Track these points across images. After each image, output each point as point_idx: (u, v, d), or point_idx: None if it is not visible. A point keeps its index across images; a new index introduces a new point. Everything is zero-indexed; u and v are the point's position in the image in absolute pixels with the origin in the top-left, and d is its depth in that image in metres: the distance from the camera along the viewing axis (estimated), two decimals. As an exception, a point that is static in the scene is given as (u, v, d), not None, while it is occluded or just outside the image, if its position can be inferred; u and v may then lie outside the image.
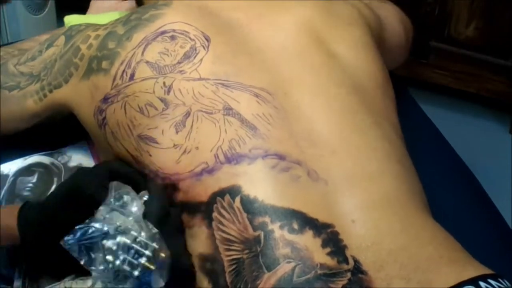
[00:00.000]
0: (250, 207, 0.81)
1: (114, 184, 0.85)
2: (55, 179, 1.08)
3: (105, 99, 0.95)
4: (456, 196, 1.18)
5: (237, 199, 0.82)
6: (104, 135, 0.95)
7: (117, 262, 0.79)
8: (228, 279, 0.79)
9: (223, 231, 0.81)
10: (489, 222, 1.15)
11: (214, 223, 0.82)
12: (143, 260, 0.80)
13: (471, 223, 1.12)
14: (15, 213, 0.87)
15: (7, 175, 1.08)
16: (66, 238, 0.80)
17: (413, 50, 1.33)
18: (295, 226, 0.80)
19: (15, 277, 0.94)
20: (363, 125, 0.91)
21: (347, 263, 0.78)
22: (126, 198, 0.83)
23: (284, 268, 0.78)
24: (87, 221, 0.81)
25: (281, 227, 0.80)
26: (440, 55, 2.03)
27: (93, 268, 0.80)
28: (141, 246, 0.80)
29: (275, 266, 0.78)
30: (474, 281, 0.77)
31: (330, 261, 0.78)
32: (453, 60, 2.04)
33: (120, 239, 0.79)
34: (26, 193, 1.06)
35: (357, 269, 0.78)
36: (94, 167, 0.96)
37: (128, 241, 0.80)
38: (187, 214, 0.85)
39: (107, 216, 0.81)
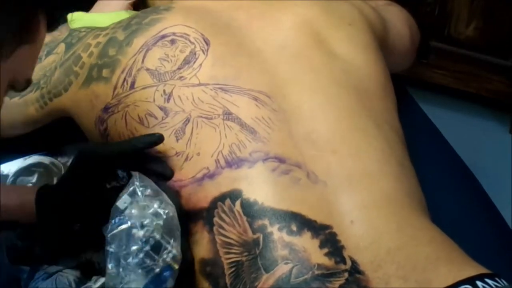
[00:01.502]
0: (250, 210, 0.82)
1: (137, 174, 0.84)
2: (55, 179, 1.08)
3: (106, 109, 0.95)
4: (456, 196, 1.18)
5: (238, 203, 0.83)
6: None
7: (141, 255, 0.79)
8: (228, 281, 0.80)
9: (224, 235, 0.82)
10: (489, 222, 1.16)
11: (215, 228, 0.83)
12: (168, 258, 0.79)
13: (471, 222, 1.12)
14: (33, 192, 0.90)
15: (7, 175, 1.08)
16: (107, 228, 0.81)
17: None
18: (294, 228, 0.80)
19: (36, 245, 0.95)
20: (363, 125, 0.91)
21: (345, 263, 0.78)
22: (149, 191, 0.83)
23: (282, 269, 0.78)
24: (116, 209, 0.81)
25: (279, 229, 0.80)
26: (440, 55, 2.03)
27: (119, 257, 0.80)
28: (167, 243, 0.80)
29: (273, 268, 0.78)
30: (471, 280, 0.77)
31: (327, 262, 0.78)
32: (453, 60, 2.03)
33: (150, 232, 0.79)
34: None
35: (354, 269, 0.78)
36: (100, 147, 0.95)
37: (157, 236, 0.79)
38: (190, 222, 0.85)
39: (136, 208, 0.80)
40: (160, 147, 0.89)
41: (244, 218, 0.82)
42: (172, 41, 0.95)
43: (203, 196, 0.85)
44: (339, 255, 0.79)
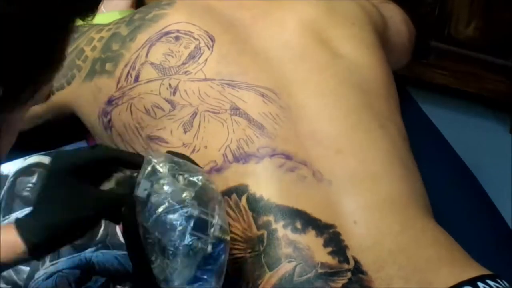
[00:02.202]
0: (255, 206, 0.82)
1: (151, 152, 0.77)
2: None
3: (110, 101, 0.95)
4: (456, 196, 1.18)
5: (243, 198, 0.83)
6: (110, 137, 0.95)
7: (188, 240, 0.71)
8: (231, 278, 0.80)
9: None
10: (489, 222, 1.15)
11: None
12: (216, 232, 0.72)
13: (471, 223, 1.12)
14: (10, 228, 0.77)
15: (7, 176, 1.07)
16: (142, 218, 0.72)
17: (413, 50, 1.32)
18: (298, 225, 0.80)
19: None
20: (368, 125, 0.91)
21: (348, 262, 0.78)
22: (170, 165, 0.74)
23: (285, 268, 0.78)
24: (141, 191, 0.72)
25: (284, 227, 0.80)
26: (440, 55, 2.03)
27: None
28: (209, 216, 0.72)
29: (277, 266, 0.79)
30: (472, 281, 0.78)
31: (331, 261, 0.78)
32: (453, 60, 2.03)
33: (187, 210, 0.71)
34: (26, 193, 1.06)
35: (357, 269, 0.78)
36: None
37: (196, 212, 0.71)
38: None
39: (161, 191, 0.72)
40: (168, 138, 0.89)
41: (250, 213, 0.82)
42: (177, 38, 0.95)
43: None
44: (342, 254, 0.79)
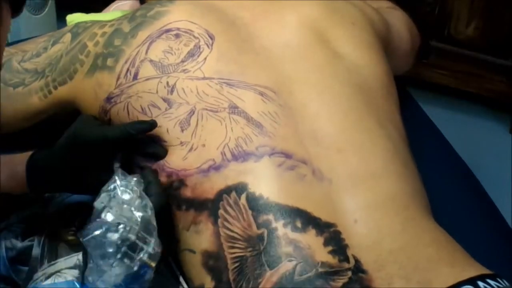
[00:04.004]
0: (255, 204, 0.82)
1: (120, 171, 0.85)
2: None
3: (108, 99, 0.95)
4: (456, 196, 1.18)
5: (243, 197, 0.83)
6: None
7: (118, 256, 0.79)
8: (231, 277, 0.80)
9: (228, 229, 0.82)
10: (489, 222, 1.15)
11: (220, 221, 0.83)
12: (145, 257, 0.80)
13: (471, 223, 1.12)
14: (23, 162, 0.93)
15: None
16: (83, 233, 0.80)
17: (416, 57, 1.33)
18: (299, 224, 0.80)
19: (34, 245, 0.96)
20: (368, 124, 0.91)
21: (348, 262, 0.78)
22: (130, 189, 0.83)
23: (285, 266, 0.78)
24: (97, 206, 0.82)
25: (284, 225, 0.80)
26: (440, 55, 2.03)
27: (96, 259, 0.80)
28: (143, 243, 0.80)
29: (277, 264, 0.78)
30: (472, 281, 0.77)
31: (331, 260, 0.78)
32: (453, 60, 2.04)
33: (125, 234, 0.79)
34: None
35: (358, 268, 0.78)
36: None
37: (133, 237, 0.80)
38: (194, 211, 0.85)
39: (113, 209, 0.81)
40: (164, 136, 0.89)
41: (249, 212, 0.82)
42: (177, 35, 0.96)
43: (209, 187, 0.84)
44: (343, 253, 0.79)
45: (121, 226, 0.79)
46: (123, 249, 0.79)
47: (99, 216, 0.80)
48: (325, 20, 1.00)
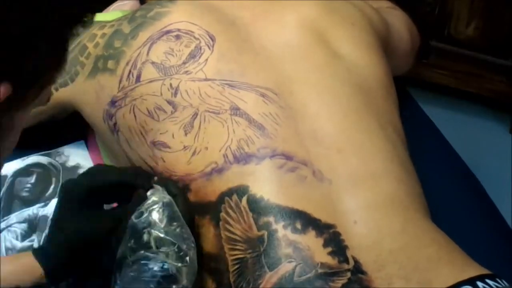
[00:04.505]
0: (255, 206, 0.82)
1: (160, 189, 0.82)
2: (53, 179, 1.08)
3: (113, 102, 0.95)
4: (456, 196, 1.18)
5: (244, 199, 0.83)
6: (117, 140, 0.95)
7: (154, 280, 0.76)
8: (232, 279, 0.80)
9: (229, 231, 0.82)
10: (489, 222, 1.15)
11: (221, 223, 0.83)
12: None
13: (471, 222, 1.12)
14: (29, 254, 0.83)
15: (5, 176, 1.07)
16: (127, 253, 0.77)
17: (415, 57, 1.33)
18: (298, 226, 0.80)
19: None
20: (367, 125, 0.91)
21: (348, 263, 0.78)
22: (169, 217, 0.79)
23: (285, 268, 0.78)
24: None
25: (284, 227, 0.80)
26: (440, 55, 2.03)
27: None
28: (179, 274, 0.77)
29: (277, 266, 0.79)
30: (472, 281, 0.78)
31: (330, 261, 0.78)
32: (453, 60, 2.03)
33: (167, 266, 0.77)
34: (24, 194, 1.06)
35: (357, 269, 0.78)
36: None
37: (173, 270, 0.77)
38: (197, 215, 0.85)
39: (152, 251, 0.77)
40: (169, 141, 0.89)
41: (250, 214, 0.82)
42: (177, 36, 0.96)
43: (211, 190, 0.85)
44: (342, 254, 0.79)
45: (173, 247, 0.77)
46: (160, 278, 0.76)
47: (140, 234, 0.77)
48: (325, 20, 1.00)
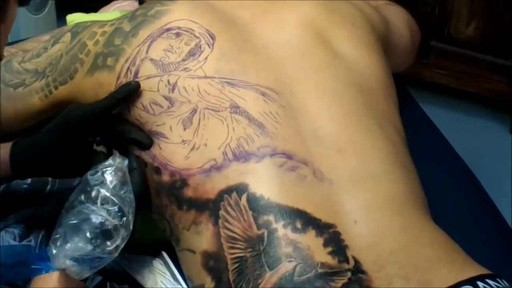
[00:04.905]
0: (255, 205, 0.82)
1: (117, 154, 0.89)
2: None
3: None
4: (456, 196, 1.18)
5: (244, 197, 0.83)
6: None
7: (89, 235, 0.83)
8: (231, 278, 0.80)
9: (228, 229, 0.82)
10: (489, 222, 1.15)
11: (220, 221, 0.83)
12: (112, 247, 0.84)
13: (471, 222, 1.12)
14: (9, 146, 0.94)
15: (2, 176, 1.07)
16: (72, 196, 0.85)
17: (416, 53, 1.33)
18: (298, 225, 0.80)
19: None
20: (368, 125, 0.91)
21: (348, 262, 0.78)
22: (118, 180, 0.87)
23: (285, 267, 0.78)
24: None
25: (284, 226, 0.80)
26: (440, 55, 2.04)
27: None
28: (116, 233, 0.84)
29: (277, 265, 0.78)
30: (472, 281, 0.78)
31: (331, 261, 0.78)
32: (453, 60, 2.04)
33: (111, 217, 0.84)
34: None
35: (357, 269, 0.78)
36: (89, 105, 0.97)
37: (110, 227, 0.84)
38: (195, 211, 0.85)
39: (96, 203, 0.85)
40: (167, 132, 0.89)
41: (250, 213, 0.82)
42: (177, 34, 0.95)
43: (210, 187, 0.85)
44: (342, 254, 0.79)
45: (103, 217, 0.83)
46: (98, 230, 0.83)
47: (91, 190, 0.85)
48: (325, 20, 1.00)
